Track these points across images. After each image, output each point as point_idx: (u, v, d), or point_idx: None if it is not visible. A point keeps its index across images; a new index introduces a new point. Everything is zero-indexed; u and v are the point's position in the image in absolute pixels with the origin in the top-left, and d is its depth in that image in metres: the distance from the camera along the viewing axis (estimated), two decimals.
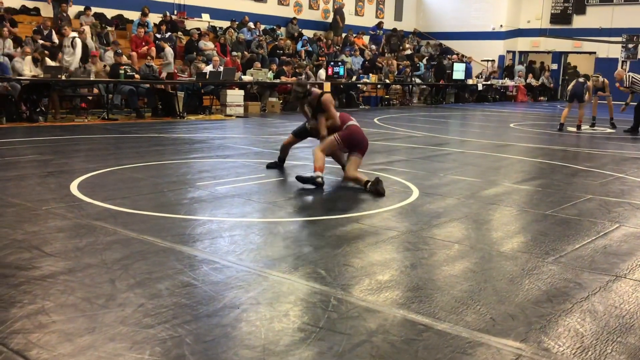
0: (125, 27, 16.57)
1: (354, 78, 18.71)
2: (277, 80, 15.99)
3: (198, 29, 17.36)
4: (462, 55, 23.99)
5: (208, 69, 14.38)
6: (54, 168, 6.45)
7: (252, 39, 18.42)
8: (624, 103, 13.13)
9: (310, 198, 5.56)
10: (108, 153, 7.95)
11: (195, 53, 15.95)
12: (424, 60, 23.77)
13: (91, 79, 12.20)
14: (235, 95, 14.17)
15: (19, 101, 11.01)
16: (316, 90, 6.38)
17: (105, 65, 13.09)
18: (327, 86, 16.36)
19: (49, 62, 11.62)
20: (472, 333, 2.70)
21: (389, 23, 25.59)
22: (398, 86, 20.69)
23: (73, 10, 15.34)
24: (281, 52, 18.45)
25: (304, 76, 16.90)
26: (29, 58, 11.39)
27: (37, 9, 15.24)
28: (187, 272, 3.35)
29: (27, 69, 11.32)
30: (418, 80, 21.50)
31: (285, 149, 6.89)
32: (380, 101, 20.04)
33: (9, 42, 12.24)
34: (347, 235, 4.25)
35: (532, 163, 8.28)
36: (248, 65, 16.27)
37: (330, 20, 22.99)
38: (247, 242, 4.01)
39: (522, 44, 27.45)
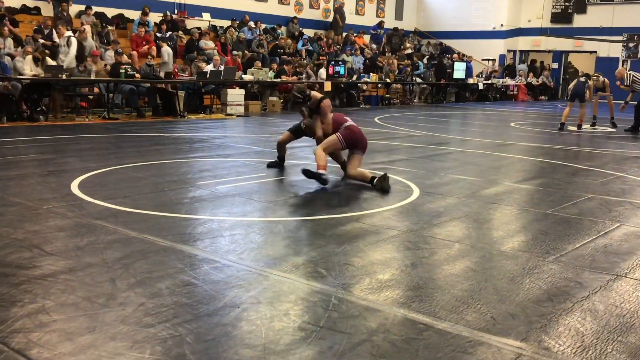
0: (126, 26, 16.58)
1: (355, 77, 18.71)
2: (278, 80, 15.99)
3: (199, 28, 17.36)
4: (463, 55, 23.97)
5: (209, 68, 14.38)
6: (55, 167, 6.45)
7: (253, 38, 18.41)
8: (623, 102, 13.14)
9: (310, 197, 5.57)
10: (109, 152, 7.95)
11: (195, 52, 15.95)
12: (425, 60, 23.76)
13: (92, 78, 12.20)
14: (235, 95, 14.17)
15: (20, 100, 11.02)
16: (316, 94, 6.38)
17: (105, 65, 13.10)
18: (328, 85, 16.37)
19: (50, 62, 11.62)
20: (472, 332, 2.70)
21: (390, 22, 25.58)
22: (399, 85, 20.69)
23: (74, 9, 15.35)
24: (282, 51, 18.45)
25: (304, 75, 16.90)
26: (29, 57, 11.39)
27: (37, 8, 15.25)
28: (187, 271, 3.35)
29: (28, 68, 11.32)
30: (418, 80, 21.49)
31: (281, 147, 6.88)
32: (381, 100, 20.03)
33: (10, 42, 12.24)
34: (348, 234, 4.25)
35: (532, 162, 8.28)
36: (249, 65, 16.27)
37: (330, 19, 22.98)
38: (248, 241, 4.01)
39: (523, 43, 27.43)
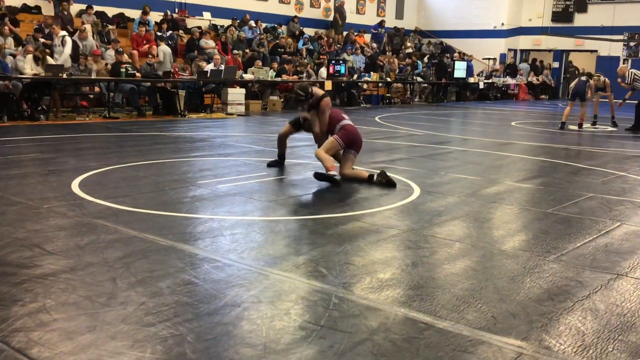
0: (127, 25, 16.57)
1: (355, 76, 18.70)
2: (278, 79, 15.99)
3: (199, 28, 17.36)
4: (464, 54, 23.96)
5: (209, 67, 14.38)
6: (56, 166, 6.45)
7: (254, 37, 18.41)
8: (621, 100, 13.22)
9: (311, 196, 5.57)
10: (109, 151, 7.95)
11: (196, 51, 15.95)
12: (425, 59, 23.74)
13: (92, 77, 12.20)
14: (236, 94, 14.16)
15: (21, 100, 11.02)
16: (318, 91, 6.40)
17: (106, 64, 13.09)
18: (329, 84, 16.35)
19: (50, 61, 11.62)
20: (473, 331, 2.70)
21: (390, 21, 25.57)
22: (399, 84, 20.69)
23: (74, 8, 15.34)
24: (282, 50, 18.44)
25: (304, 75, 16.89)
26: (30, 56, 11.39)
27: (38, 8, 15.24)
28: (188, 271, 3.35)
29: (29, 67, 11.32)
30: (419, 79, 21.48)
31: (282, 141, 6.88)
32: (382, 99, 20.03)
33: (10, 41, 12.24)
34: (348, 233, 4.25)
35: (533, 161, 8.27)
36: (249, 64, 16.27)
37: (331, 18, 22.98)
38: (248, 240, 4.01)
39: (524, 42, 27.42)
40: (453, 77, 22.20)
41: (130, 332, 2.57)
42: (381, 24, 24.07)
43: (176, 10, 18.07)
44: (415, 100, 21.33)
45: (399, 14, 27.07)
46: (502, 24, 26.44)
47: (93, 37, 14.25)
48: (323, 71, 17.66)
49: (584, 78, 12.97)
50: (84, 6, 15.23)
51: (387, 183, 5.85)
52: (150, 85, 13.05)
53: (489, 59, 25.47)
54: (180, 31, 17.03)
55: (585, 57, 26.27)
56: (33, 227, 4.11)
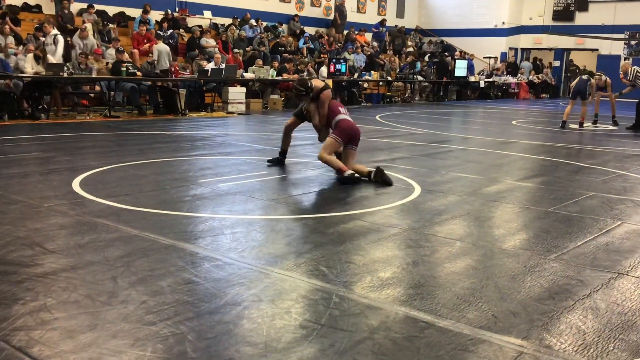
0: (127, 24, 16.55)
1: (356, 75, 18.69)
2: (279, 78, 15.98)
3: (200, 26, 17.35)
4: (464, 52, 23.96)
5: (210, 66, 14.37)
6: (56, 165, 6.45)
7: (254, 36, 18.40)
8: (618, 92, 13.38)
9: (311, 195, 5.57)
10: (110, 150, 7.95)
11: (197, 50, 15.95)
12: (426, 58, 23.73)
13: (93, 76, 12.20)
14: (237, 93, 14.16)
15: (21, 98, 11.01)
16: (318, 83, 6.43)
17: (107, 63, 13.09)
18: (329, 83, 16.34)
19: (51, 59, 11.62)
20: (473, 330, 2.70)
21: (391, 20, 25.56)
22: (400, 83, 20.67)
23: (75, 7, 15.34)
24: (283, 49, 18.44)
25: (305, 73, 16.88)
26: (30, 55, 11.39)
27: (39, 6, 15.24)
28: (189, 269, 3.35)
29: (29, 66, 11.31)
30: (420, 78, 21.47)
31: (287, 134, 6.95)
32: (382, 98, 20.02)
33: (11, 40, 12.23)
34: (349, 232, 4.25)
35: (534, 160, 8.27)
36: (250, 63, 16.26)
37: (332, 17, 22.97)
38: (249, 239, 4.01)
39: (525, 41, 27.41)
40: (454, 75, 22.19)
41: (131, 330, 2.57)
42: (382, 22, 24.06)
43: (177, 9, 18.06)
44: (416, 99, 21.32)
45: (400, 13, 27.06)
46: (503, 22, 26.43)
47: (94, 36, 14.24)
48: (324, 70, 17.66)
49: (585, 77, 12.98)
50: (84, 5, 15.23)
51: (382, 182, 5.85)
52: (151, 84, 13.05)
53: (489, 57, 25.47)
54: (181, 30, 17.03)
55: (586, 55, 26.26)
56: (34, 225, 4.11)
